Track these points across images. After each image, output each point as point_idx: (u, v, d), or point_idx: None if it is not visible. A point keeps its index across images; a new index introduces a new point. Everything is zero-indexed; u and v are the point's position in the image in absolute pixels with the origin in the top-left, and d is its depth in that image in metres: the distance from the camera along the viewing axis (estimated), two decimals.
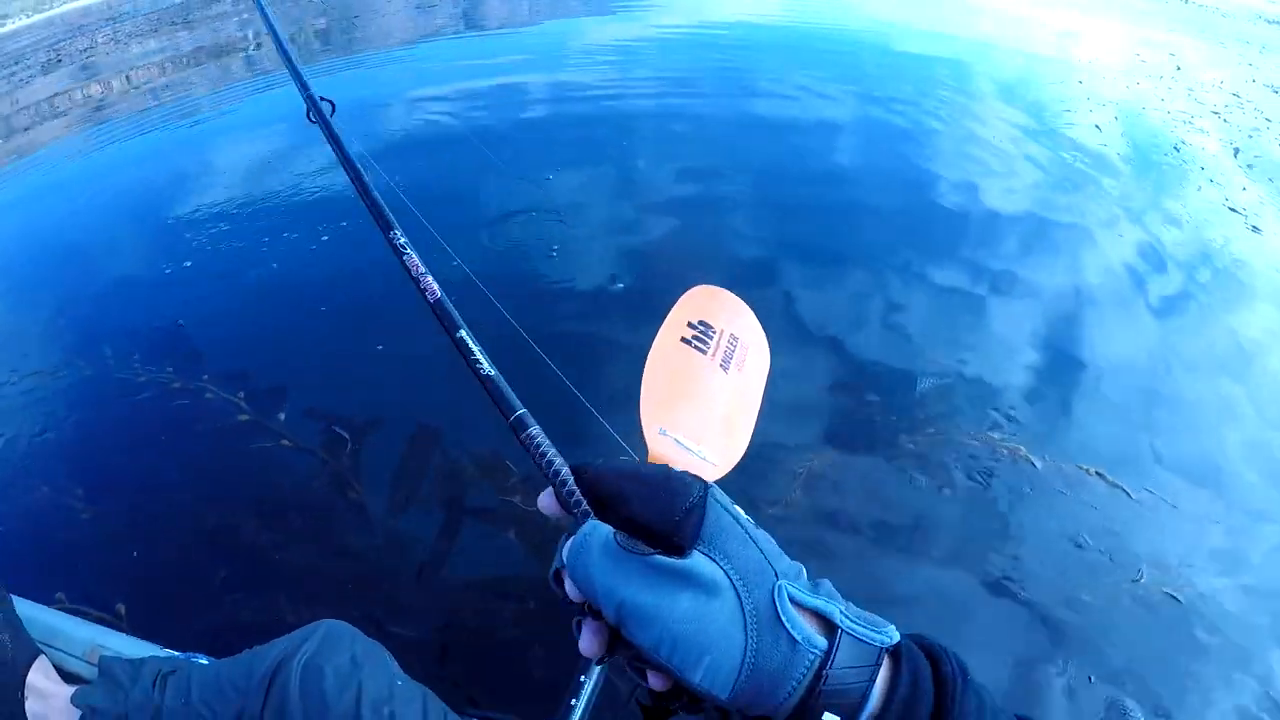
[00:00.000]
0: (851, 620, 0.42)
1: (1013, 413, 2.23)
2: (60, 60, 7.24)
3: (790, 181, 3.55)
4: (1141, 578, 1.82)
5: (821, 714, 0.40)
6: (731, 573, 0.43)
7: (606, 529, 0.46)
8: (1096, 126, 4.37)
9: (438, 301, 0.73)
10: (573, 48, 5.71)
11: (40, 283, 3.19)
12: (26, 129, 5.29)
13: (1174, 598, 1.79)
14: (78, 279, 3.16)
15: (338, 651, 1.03)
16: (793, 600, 0.43)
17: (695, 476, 0.48)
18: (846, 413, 2.22)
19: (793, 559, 0.47)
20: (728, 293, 1.05)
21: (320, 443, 2.12)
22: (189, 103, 5.25)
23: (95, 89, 6.01)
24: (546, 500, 0.53)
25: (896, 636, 0.43)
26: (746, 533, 0.46)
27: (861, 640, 0.42)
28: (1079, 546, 1.88)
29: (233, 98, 5.33)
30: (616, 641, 0.47)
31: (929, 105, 4.48)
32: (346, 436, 2.13)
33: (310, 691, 0.98)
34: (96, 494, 2.04)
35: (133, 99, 5.61)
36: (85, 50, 7.60)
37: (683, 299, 1.03)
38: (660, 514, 0.44)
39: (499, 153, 3.71)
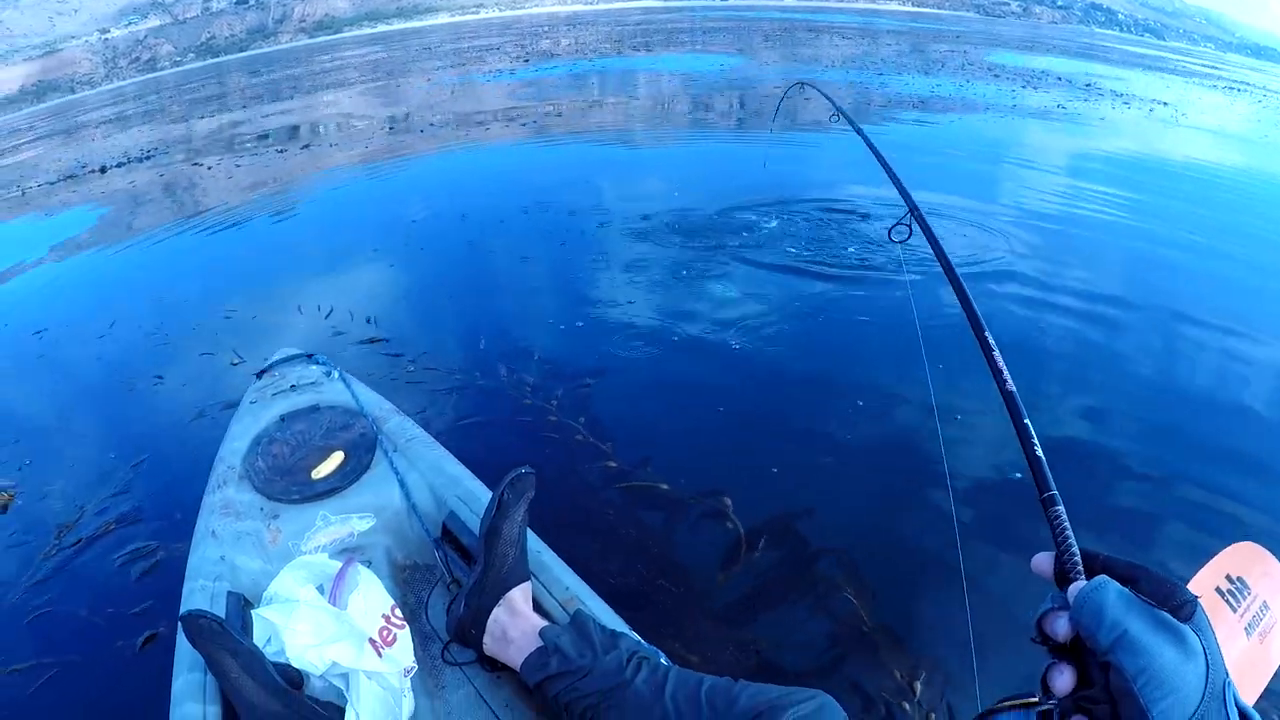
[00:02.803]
0: None
1: None
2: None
3: None
4: None
5: None
6: (1208, 652, 0.52)
7: (1119, 584, 0.56)
8: None
9: (1011, 393, 0.89)
10: None
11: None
12: None
13: None
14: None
15: None
16: (1235, 699, 0.52)
17: None
18: None
19: None
20: (1275, 560, 1.04)
21: None
22: None
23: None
24: (1044, 562, 0.65)
25: None
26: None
27: None
28: None
29: None
30: (1078, 685, 0.58)
31: None
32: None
33: None
34: None
35: None
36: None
37: (1231, 549, 1.03)
38: (1168, 594, 0.55)
39: None
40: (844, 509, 2.47)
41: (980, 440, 2.80)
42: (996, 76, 15.34)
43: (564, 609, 1.44)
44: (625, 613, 1.47)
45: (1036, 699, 0.65)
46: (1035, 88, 13.66)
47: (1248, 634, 0.92)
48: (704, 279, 4.34)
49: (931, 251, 1.35)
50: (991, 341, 1.00)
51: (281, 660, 1.32)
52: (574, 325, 3.74)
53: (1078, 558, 0.63)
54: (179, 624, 1.27)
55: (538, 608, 1.44)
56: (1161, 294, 4.27)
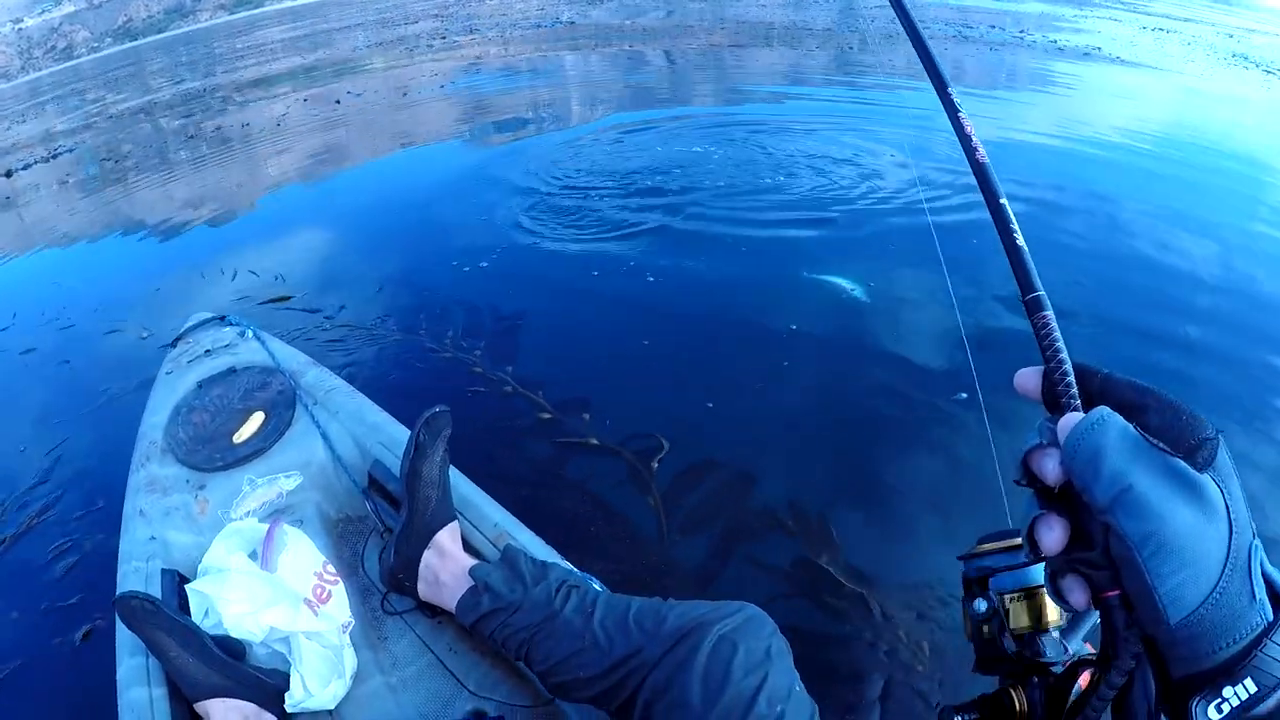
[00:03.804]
0: None
1: None
2: None
3: None
4: None
5: (1242, 680, 0.40)
6: (1231, 510, 0.42)
7: (1123, 421, 0.45)
8: None
9: (982, 166, 0.70)
10: None
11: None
12: None
13: None
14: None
15: (757, 637, 1.06)
16: (1261, 565, 0.42)
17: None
18: None
19: None
20: None
21: None
22: None
23: None
24: (1031, 381, 0.53)
25: None
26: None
27: None
28: None
29: None
30: (1072, 543, 0.47)
31: None
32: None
33: (718, 660, 1.02)
34: None
35: None
36: None
37: None
38: (1182, 430, 0.44)
39: None
40: (779, 436, 2.47)
41: (916, 345, 2.87)
42: None
43: (494, 545, 1.43)
44: (560, 545, 1.46)
45: (1019, 541, 0.56)
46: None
47: None
48: (621, 216, 4.28)
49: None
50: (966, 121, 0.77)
51: (220, 633, 1.30)
52: (492, 270, 3.66)
53: (1070, 376, 0.51)
54: (114, 609, 1.25)
55: (468, 547, 1.42)
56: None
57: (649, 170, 5.05)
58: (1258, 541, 0.42)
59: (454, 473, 1.52)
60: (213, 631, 1.30)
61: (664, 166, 5.14)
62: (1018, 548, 0.72)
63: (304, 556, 1.43)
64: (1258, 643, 0.40)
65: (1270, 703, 0.40)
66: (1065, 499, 0.48)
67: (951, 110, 0.79)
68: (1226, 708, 0.40)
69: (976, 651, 0.73)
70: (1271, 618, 0.41)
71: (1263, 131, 6.66)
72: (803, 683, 1.06)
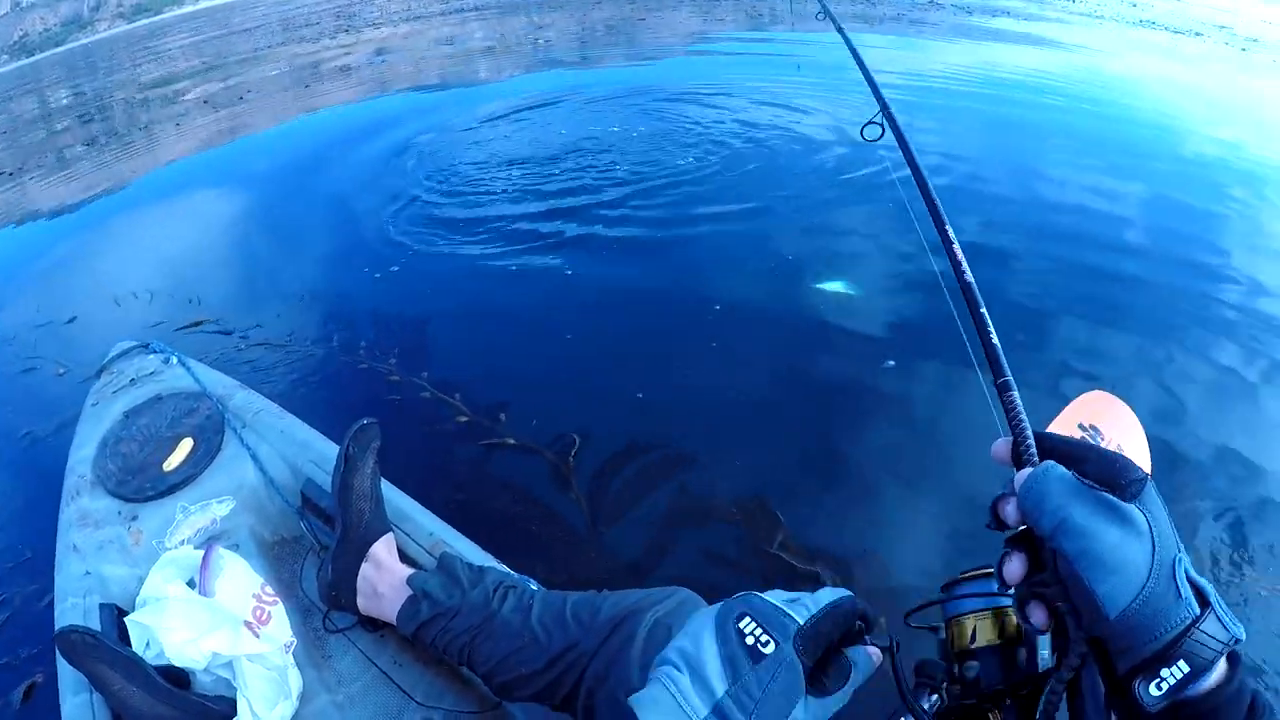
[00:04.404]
0: (1221, 606, 0.51)
1: None
2: None
3: None
4: None
5: (1175, 661, 0.49)
6: (1154, 530, 0.52)
7: (1064, 469, 0.56)
8: None
9: (969, 285, 0.90)
10: None
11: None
12: None
13: None
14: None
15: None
16: (1186, 572, 0.52)
17: None
18: None
19: None
20: (1124, 403, 1.11)
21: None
22: None
23: None
24: (1003, 449, 0.65)
25: (1244, 638, 0.51)
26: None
27: (1224, 624, 0.50)
28: None
29: None
30: (1031, 571, 0.59)
31: None
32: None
33: (654, 645, 1.06)
34: None
35: None
36: None
37: (1081, 399, 1.10)
38: (1115, 473, 0.55)
39: None
40: (710, 418, 2.53)
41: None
42: None
43: (430, 554, 1.45)
44: (496, 549, 1.49)
45: (992, 570, 0.68)
46: None
47: None
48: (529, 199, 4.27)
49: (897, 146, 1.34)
50: (952, 234, 1.00)
51: (163, 663, 1.29)
52: (402, 274, 3.63)
53: (1030, 441, 0.64)
54: (55, 646, 1.23)
55: (404, 558, 1.44)
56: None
57: (557, 155, 5.04)
58: (1183, 554, 0.53)
59: (387, 485, 1.54)
60: (155, 662, 1.29)
61: (573, 148, 5.13)
62: (990, 573, 0.82)
63: (241, 579, 1.43)
64: (1186, 632, 0.50)
65: (1206, 681, 0.51)
66: (1025, 538, 0.60)
67: (943, 231, 1.01)
68: (1165, 685, 0.50)
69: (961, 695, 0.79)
70: (1198, 612, 0.51)
71: (1166, 81, 7.15)
72: None
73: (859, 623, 0.64)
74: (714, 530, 2.10)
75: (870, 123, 1.51)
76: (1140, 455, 1.07)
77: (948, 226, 1.02)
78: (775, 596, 0.62)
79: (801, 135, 5.06)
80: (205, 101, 9.84)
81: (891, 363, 2.68)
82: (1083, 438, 1.01)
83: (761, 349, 2.87)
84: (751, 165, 4.56)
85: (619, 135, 5.28)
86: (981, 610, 0.79)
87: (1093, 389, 1.13)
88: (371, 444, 1.45)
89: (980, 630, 0.79)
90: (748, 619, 0.59)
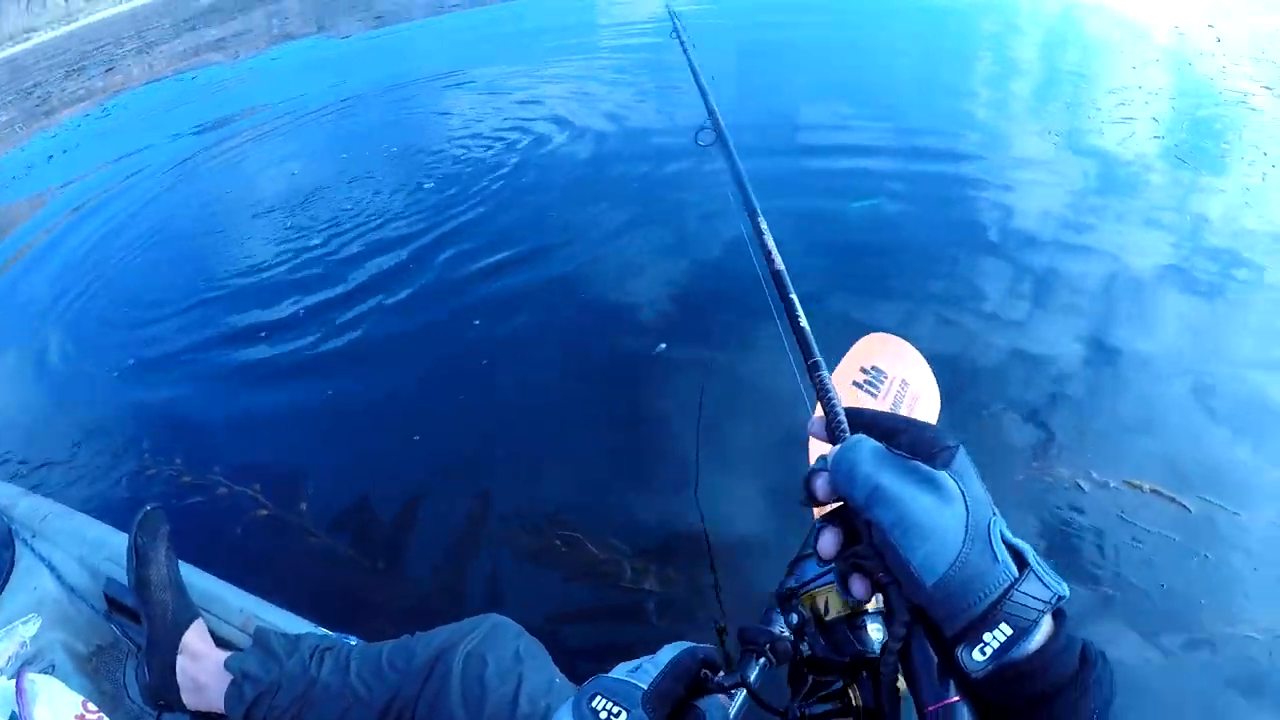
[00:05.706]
0: (1040, 566, 0.50)
1: None
2: None
3: None
4: None
5: (998, 625, 0.49)
6: (966, 495, 0.52)
7: (875, 441, 0.56)
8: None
9: (779, 272, 0.92)
10: None
11: None
12: None
13: None
14: None
15: (503, 644, 1.07)
16: (1001, 535, 0.51)
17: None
18: None
19: None
20: (901, 340, 1.12)
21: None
22: None
23: None
24: (817, 425, 0.65)
25: (1068, 594, 0.51)
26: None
27: (1044, 583, 0.49)
28: None
29: None
30: (847, 545, 0.57)
31: None
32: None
33: (471, 678, 1.03)
34: None
35: None
36: None
37: (860, 343, 1.10)
38: (926, 443, 0.55)
39: None
40: (493, 433, 2.51)
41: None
42: None
43: (244, 632, 1.37)
44: (311, 612, 1.42)
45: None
46: None
47: (896, 412, 0.97)
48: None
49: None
50: (764, 226, 1.00)
51: None
52: (160, 363, 3.32)
53: (842, 417, 0.63)
54: None
55: (220, 641, 1.35)
56: None
57: (279, 205, 4.68)
58: (998, 518, 0.52)
59: (187, 567, 1.43)
60: None
61: (293, 192, 4.79)
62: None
63: (60, 701, 1.30)
64: (1005, 594, 0.49)
65: (1031, 641, 0.49)
66: (840, 513, 0.59)
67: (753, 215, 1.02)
68: (989, 650, 0.49)
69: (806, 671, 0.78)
70: (1016, 575, 0.50)
71: None
72: (580, 665, 1.08)
73: (704, 671, 0.64)
74: (511, 544, 2.09)
75: (703, 129, 1.47)
76: (926, 384, 1.10)
77: (760, 219, 1.03)
78: (620, 671, 0.65)
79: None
80: None
81: (663, 345, 2.71)
82: (866, 380, 1.03)
83: (529, 353, 2.86)
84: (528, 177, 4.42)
85: (359, 167, 4.94)
86: (824, 585, 0.80)
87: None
88: (159, 530, 1.34)
89: (831, 604, 0.80)
90: (599, 698, 0.61)
